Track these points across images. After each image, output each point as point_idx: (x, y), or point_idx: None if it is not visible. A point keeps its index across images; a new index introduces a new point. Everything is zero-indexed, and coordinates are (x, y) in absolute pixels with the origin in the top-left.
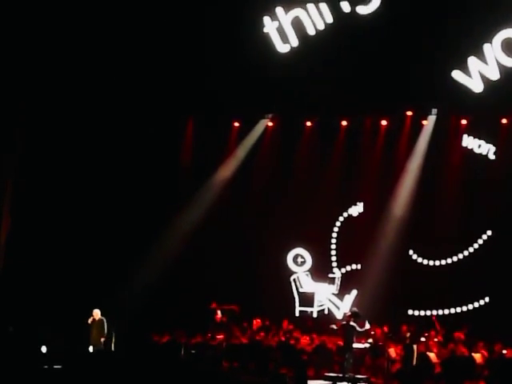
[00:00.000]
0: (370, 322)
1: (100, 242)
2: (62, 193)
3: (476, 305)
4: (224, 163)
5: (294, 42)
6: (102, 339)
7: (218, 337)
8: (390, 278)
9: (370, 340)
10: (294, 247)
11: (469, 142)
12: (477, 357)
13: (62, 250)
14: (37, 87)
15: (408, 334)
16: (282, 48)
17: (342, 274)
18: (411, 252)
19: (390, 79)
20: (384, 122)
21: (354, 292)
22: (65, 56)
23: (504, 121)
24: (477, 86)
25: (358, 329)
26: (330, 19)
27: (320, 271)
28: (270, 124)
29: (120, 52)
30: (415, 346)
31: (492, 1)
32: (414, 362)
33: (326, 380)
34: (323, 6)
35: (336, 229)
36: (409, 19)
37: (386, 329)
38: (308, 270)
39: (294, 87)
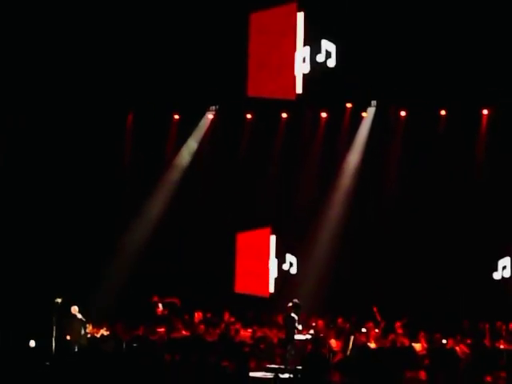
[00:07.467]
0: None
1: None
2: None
3: (417, 295)
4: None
5: None
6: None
7: (159, 330)
8: (332, 270)
9: (312, 331)
10: (235, 238)
11: None
12: (417, 346)
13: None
14: None
15: (348, 325)
16: None
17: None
18: (353, 243)
19: (330, 71)
20: (324, 114)
21: None
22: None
23: (443, 112)
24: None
25: (296, 324)
26: None
27: None
28: (211, 117)
29: (60, 47)
30: (352, 337)
31: None
32: (349, 353)
33: (267, 372)
34: None
35: (277, 219)
36: None
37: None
38: None
39: (233, 80)
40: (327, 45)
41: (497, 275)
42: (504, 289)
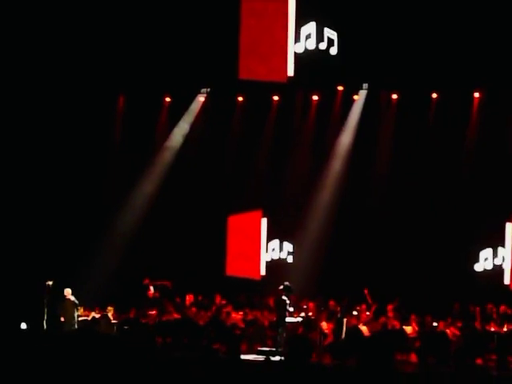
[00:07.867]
0: (301, 297)
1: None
2: None
3: (408, 278)
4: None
5: None
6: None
7: (151, 313)
8: (323, 253)
9: (303, 314)
10: (226, 221)
11: None
12: (408, 329)
13: None
14: None
15: (339, 308)
16: None
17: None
18: (345, 226)
19: (323, 53)
20: (315, 97)
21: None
22: None
23: (434, 95)
24: None
25: (288, 307)
26: None
27: None
28: (202, 99)
29: (51, 29)
30: (345, 320)
31: None
32: (343, 336)
33: (259, 354)
34: None
35: (268, 202)
36: None
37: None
38: None
39: (224, 62)
40: (318, 28)
41: (478, 267)
42: (485, 280)
